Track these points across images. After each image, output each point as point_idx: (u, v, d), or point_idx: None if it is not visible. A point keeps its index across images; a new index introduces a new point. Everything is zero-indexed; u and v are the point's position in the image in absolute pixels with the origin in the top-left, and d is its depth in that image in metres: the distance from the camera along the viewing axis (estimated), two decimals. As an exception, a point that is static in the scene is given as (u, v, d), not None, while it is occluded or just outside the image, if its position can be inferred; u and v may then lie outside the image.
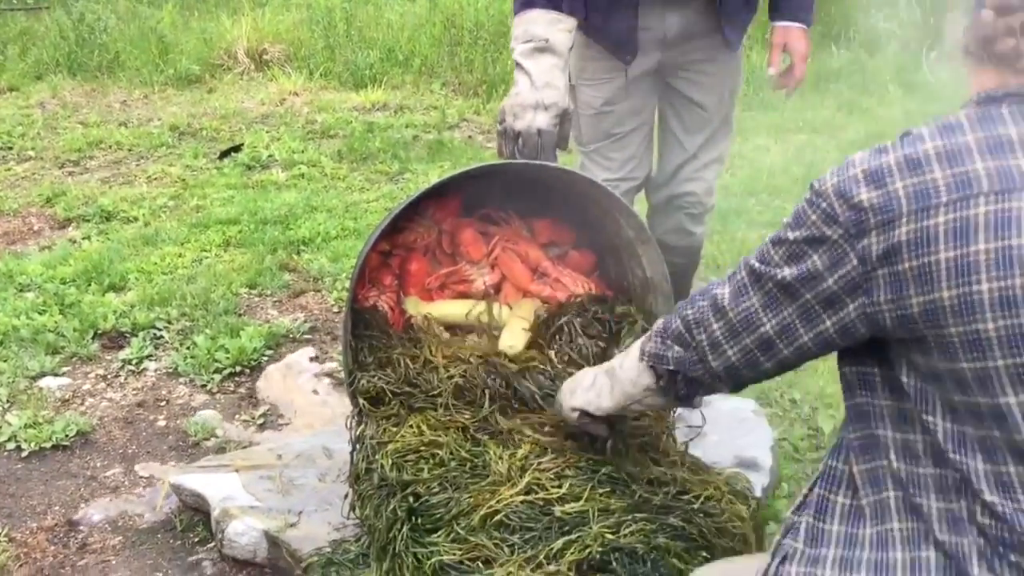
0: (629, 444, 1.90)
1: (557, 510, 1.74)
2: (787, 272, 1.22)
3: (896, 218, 1.12)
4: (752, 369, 1.33)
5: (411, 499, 1.80)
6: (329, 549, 1.97)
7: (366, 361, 2.09)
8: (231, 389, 2.99)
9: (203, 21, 7.96)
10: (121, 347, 3.22)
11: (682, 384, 1.43)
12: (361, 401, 2.03)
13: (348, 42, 7.22)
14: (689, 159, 2.62)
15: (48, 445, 2.67)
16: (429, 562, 1.68)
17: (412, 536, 1.74)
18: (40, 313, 3.38)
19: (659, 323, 1.46)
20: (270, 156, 5.31)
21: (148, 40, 7.32)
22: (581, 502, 1.75)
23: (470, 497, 1.77)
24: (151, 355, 3.17)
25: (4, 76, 7.04)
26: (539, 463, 1.84)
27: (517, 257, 2.32)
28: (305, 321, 3.37)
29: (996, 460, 1.12)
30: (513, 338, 2.14)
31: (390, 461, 1.89)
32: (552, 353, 2.08)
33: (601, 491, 1.78)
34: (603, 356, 2.04)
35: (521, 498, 1.76)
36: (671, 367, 1.42)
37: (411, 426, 1.96)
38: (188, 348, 3.17)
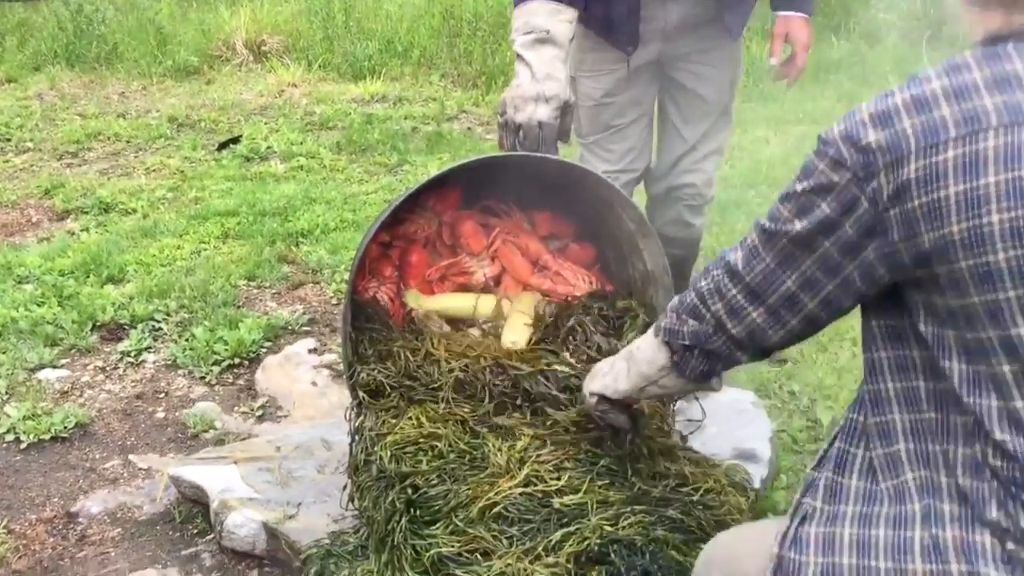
0: (652, 446, 1.88)
1: (556, 502, 1.74)
2: (799, 225, 1.22)
3: (905, 157, 1.12)
4: (778, 329, 1.32)
5: (410, 491, 1.80)
6: (328, 541, 1.97)
7: (366, 353, 2.09)
8: (230, 381, 2.99)
9: (201, 12, 7.94)
10: (120, 339, 3.22)
11: (699, 359, 1.41)
12: (360, 393, 2.03)
13: (347, 33, 7.20)
14: (689, 150, 2.61)
15: (47, 437, 2.67)
16: (428, 554, 1.68)
17: (411, 528, 1.74)
18: (39, 305, 3.38)
19: (674, 299, 1.45)
20: (269, 148, 5.30)
21: (146, 31, 7.30)
22: (580, 494, 1.75)
23: (469, 489, 1.77)
24: (150, 347, 3.17)
25: (2, 67, 7.03)
26: (538, 455, 1.84)
27: (517, 250, 2.31)
28: (304, 313, 3.36)
29: (1006, 396, 1.12)
30: (515, 334, 2.13)
31: (389, 453, 1.89)
32: (567, 354, 2.05)
33: (600, 483, 1.78)
34: (610, 352, 2.02)
35: (520, 490, 1.76)
36: (686, 342, 1.40)
37: (410, 418, 1.95)
38: (187, 340, 3.17)
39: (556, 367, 1.99)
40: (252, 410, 2.81)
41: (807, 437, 2.60)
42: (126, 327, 3.27)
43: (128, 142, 5.51)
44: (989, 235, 1.09)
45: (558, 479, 1.79)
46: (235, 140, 5.41)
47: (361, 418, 2.02)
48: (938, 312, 1.17)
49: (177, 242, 3.98)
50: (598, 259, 2.38)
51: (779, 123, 5.47)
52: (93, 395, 2.92)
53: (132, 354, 3.11)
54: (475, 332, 2.22)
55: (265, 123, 5.76)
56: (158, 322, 3.30)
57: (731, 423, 2.40)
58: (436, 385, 2.00)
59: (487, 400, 1.97)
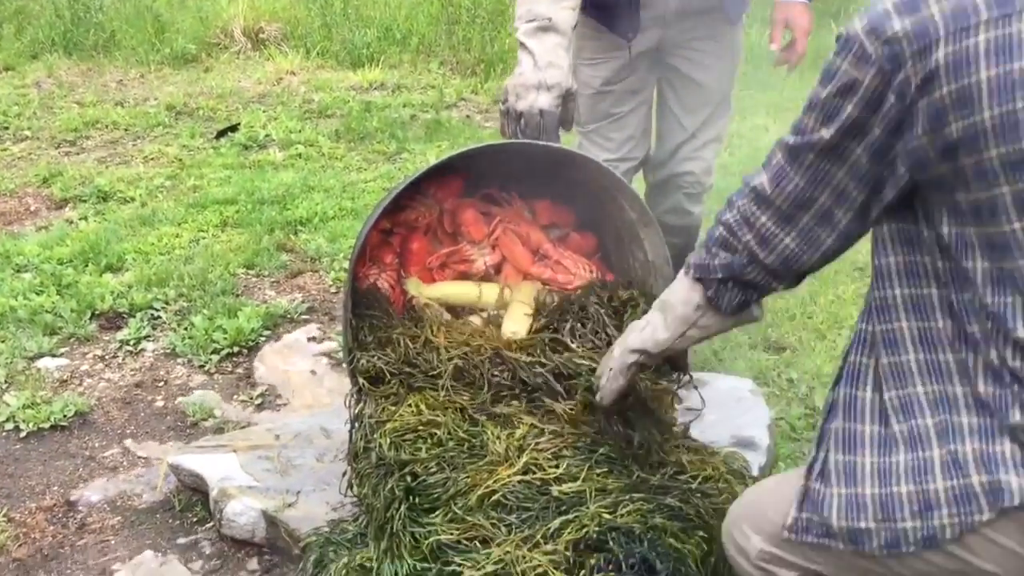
0: (662, 440, 1.87)
1: (554, 490, 1.74)
2: (825, 133, 1.18)
3: (933, 43, 1.08)
4: (813, 250, 1.28)
5: (409, 478, 1.80)
6: (327, 528, 1.98)
7: (366, 340, 2.09)
8: (229, 369, 2.99)
9: (199, -1, 7.92)
10: (119, 328, 3.22)
11: (734, 291, 1.38)
12: (360, 380, 2.03)
13: (345, 20, 7.18)
14: (688, 139, 2.61)
15: (46, 426, 2.67)
16: (427, 541, 1.68)
17: (410, 515, 1.75)
18: (37, 294, 3.38)
19: (703, 235, 1.41)
20: (267, 136, 5.29)
21: (144, 19, 7.27)
22: (578, 482, 1.75)
23: (468, 477, 1.77)
24: (149, 336, 3.17)
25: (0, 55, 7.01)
26: (537, 443, 1.84)
27: (518, 239, 2.31)
28: (303, 301, 3.36)
29: None
30: (516, 324, 2.13)
31: (388, 440, 1.89)
32: (576, 345, 2.02)
33: (598, 471, 1.79)
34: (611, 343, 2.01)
35: (518, 478, 1.76)
36: (719, 275, 1.37)
37: (410, 405, 1.95)
38: (186, 329, 3.17)
39: (555, 359, 1.99)
40: (251, 398, 2.81)
41: (805, 425, 2.61)
42: (125, 316, 3.27)
43: (126, 130, 5.49)
44: (1022, 122, 1.05)
45: (557, 467, 1.79)
46: (233, 128, 5.39)
47: (361, 405, 2.02)
48: (959, 210, 1.13)
49: (176, 230, 3.98)
50: (599, 248, 2.38)
51: (779, 110, 5.45)
52: (92, 384, 2.92)
53: (131, 343, 3.11)
54: (475, 320, 2.22)
55: (263, 111, 5.74)
56: (157, 311, 3.30)
57: (729, 411, 2.40)
58: (436, 373, 2.00)
59: (486, 389, 1.97)
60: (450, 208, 2.35)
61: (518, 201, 2.37)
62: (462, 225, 2.32)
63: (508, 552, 1.63)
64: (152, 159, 5.01)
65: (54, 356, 3.05)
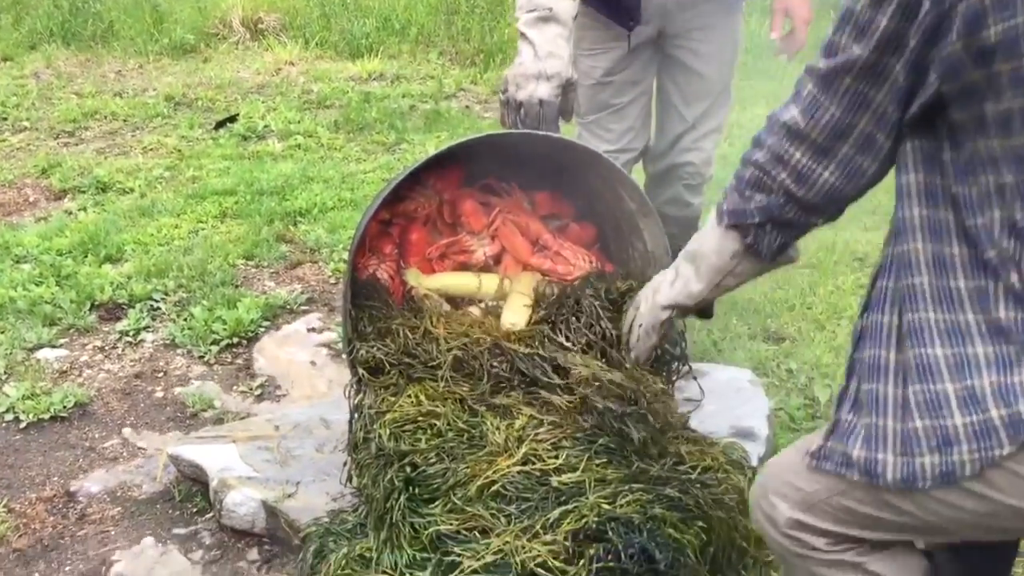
0: (664, 442, 1.87)
1: (554, 480, 1.74)
2: (860, 50, 1.13)
3: None
4: (856, 180, 1.22)
5: (408, 469, 1.80)
6: (327, 519, 1.98)
7: (366, 331, 2.09)
8: (228, 360, 2.99)
9: (197, -11, 7.89)
10: (118, 318, 3.21)
11: (773, 234, 1.33)
12: (360, 370, 2.03)
13: (344, 11, 7.16)
14: (688, 129, 2.60)
15: (46, 416, 2.67)
16: (426, 532, 1.69)
17: (409, 506, 1.75)
18: (37, 285, 3.37)
19: (730, 181, 1.36)
20: (266, 127, 5.28)
21: (142, 9, 7.25)
22: (578, 472, 1.75)
23: (467, 467, 1.77)
24: (148, 326, 3.17)
25: (-3, 46, 6.99)
26: (536, 434, 1.84)
27: (518, 229, 2.31)
28: (302, 292, 3.36)
29: None
30: (515, 315, 2.13)
31: (388, 431, 1.89)
32: (570, 343, 2.02)
33: (598, 462, 1.79)
34: (611, 334, 2.00)
35: (518, 469, 1.76)
36: (756, 219, 1.32)
37: (409, 396, 1.95)
38: (185, 319, 3.17)
39: (551, 351, 1.99)
40: (251, 389, 2.82)
41: (805, 415, 2.61)
42: (124, 307, 3.27)
43: (125, 121, 5.48)
44: None
45: (556, 458, 1.79)
46: (232, 119, 5.38)
47: (360, 395, 2.02)
48: (985, 123, 1.09)
49: (175, 221, 3.97)
50: (598, 239, 2.38)
51: (779, 100, 5.40)
52: (92, 375, 2.92)
53: (130, 333, 3.11)
54: (475, 311, 2.22)
55: (262, 102, 5.73)
56: (156, 302, 3.30)
57: (729, 401, 2.40)
58: (435, 363, 2.00)
59: (485, 380, 1.97)
60: (450, 198, 2.34)
61: (518, 192, 2.37)
62: (462, 216, 2.31)
63: (507, 542, 1.63)
64: (151, 150, 5.00)
65: (54, 347, 3.05)
